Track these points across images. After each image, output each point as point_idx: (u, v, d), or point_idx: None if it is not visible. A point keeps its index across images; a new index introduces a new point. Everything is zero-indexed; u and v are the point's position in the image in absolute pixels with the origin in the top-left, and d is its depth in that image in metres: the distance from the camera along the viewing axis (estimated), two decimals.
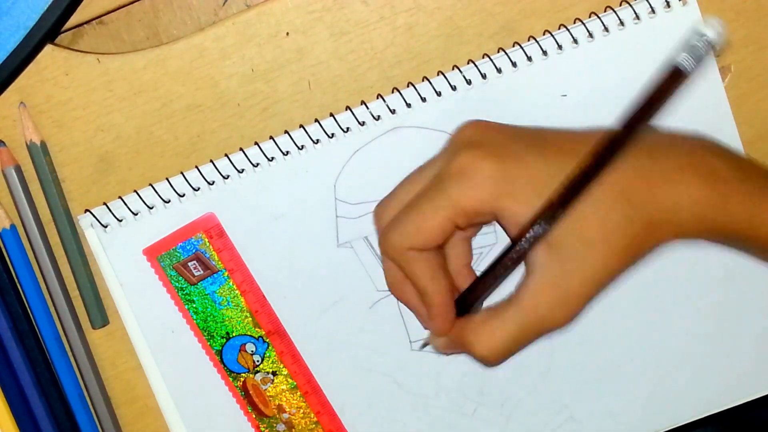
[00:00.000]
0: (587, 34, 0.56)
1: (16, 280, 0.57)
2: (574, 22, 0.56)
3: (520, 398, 0.59)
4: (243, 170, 0.56)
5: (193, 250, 0.57)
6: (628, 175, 0.50)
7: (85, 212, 0.57)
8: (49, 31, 0.55)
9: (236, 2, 0.57)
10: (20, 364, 0.57)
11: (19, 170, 0.56)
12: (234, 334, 0.58)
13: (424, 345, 0.58)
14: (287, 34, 0.56)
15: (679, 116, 0.56)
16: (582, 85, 0.56)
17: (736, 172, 0.51)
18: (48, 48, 0.56)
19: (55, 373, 0.58)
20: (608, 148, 0.49)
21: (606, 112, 0.56)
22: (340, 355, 0.58)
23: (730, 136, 0.57)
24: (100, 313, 0.58)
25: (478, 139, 0.51)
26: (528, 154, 0.50)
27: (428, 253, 0.52)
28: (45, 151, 0.56)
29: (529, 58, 0.56)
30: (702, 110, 0.57)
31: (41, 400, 0.57)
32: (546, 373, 0.58)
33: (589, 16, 0.56)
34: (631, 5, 0.55)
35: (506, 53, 0.56)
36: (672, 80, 0.49)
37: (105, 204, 0.56)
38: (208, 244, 0.57)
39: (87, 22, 0.57)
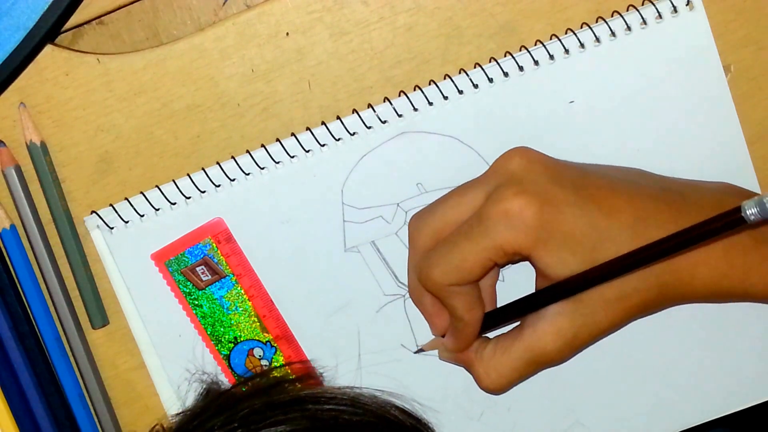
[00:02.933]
0: (594, 38, 0.55)
1: (16, 280, 0.57)
2: (581, 27, 0.56)
3: (527, 403, 0.58)
4: (249, 173, 0.56)
5: (201, 255, 0.57)
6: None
7: (91, 213, 0.57)
8: (49, 31, 0.55)
9: (236, 2, 0.57)
10: (20, 364, 0.57)
11: (19, 170, 0.56)
12: (242, 339, 0.58)
13: (421, 350, 0.58)
14: (287, 34, 0.56)
15: (683, 116, 0.57)
16: (589, 90, 0.56)
17: (756, 239, 0.52)
18: (48, 48, 0.56)
19: (55, 373, 0.58)
20: (643, 256, 0.49)
21: (613, 119, 0.56)
22: (348, 360, 0.58)
23: (734, 137, 0.57)
24: (100, 313, 0.58)
25: (523, 176, 0.52)
26: (568, 205, 0.51)
27: (467, 286, 0.53)
28: (45, 151, 0.56)
29: (536, 62, 0.56)
30: (706, 110, 0.56)
31: (41, 400, 0.57)
32: (553, 377, 0.58)
33: (596, 21, 0.56)
34: (637, 10, 0.55)
35: (513, 57, 0.55)
36: (729, 221, 0.46)
37: (111, 205, 0.56)
38: (216, 249, 0.57)
39: (87, 23, 0.57)
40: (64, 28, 0.56)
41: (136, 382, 0.58)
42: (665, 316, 0.56)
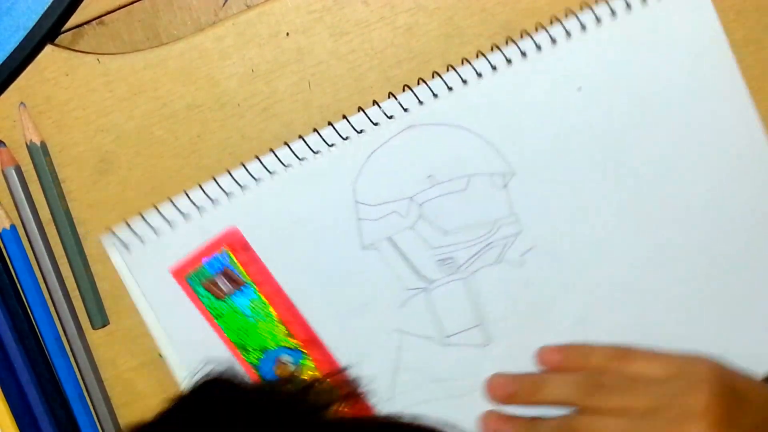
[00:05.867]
0: (595, 19, 0.55)
1: (16, 280, 0.57)
2: (581, 8, 0.56)
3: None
4: (260, 179, 0.56)
5: (220, 266, 0.56)
6: None
7: (108, 233, 0.56)
8: (49, 31, 0.55)
9: (236, 2, 0.57)
10: (20, 364, 0.57)
11: (19, 170, 0.56)
12: (269, 347, 0.57)
13: None
14: (287, 34, 0.57)
15: (692, 96, 0.56)
16: (591, 72, 0.56)
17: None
18: (48, 48, 0.56)
19: (55, 373, 0.58)
20: None
21: (618, 102, 0.56)
22: (376, 357, 0.58)
23: (744, 108, 0.57)
24: (100, 313, 0.58)
25: (724, 411, 0.47)
26: None
27: None
28: (45, 151, 0.56)
29: (538, 47, 0.56)
30: (714, 87, 0.57)
31: (41, 400, 0.57)
32: None
33: (596, 1, 0.56)
34: None
35: (515, 42, 0.55)
36: None
37: (126, 222, 0.56)
38: (233, 258, 0.56)
39: (87, 23, 0.57)
40: (64, 28, 0.56)
41: (136, 382, 0.58)
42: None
